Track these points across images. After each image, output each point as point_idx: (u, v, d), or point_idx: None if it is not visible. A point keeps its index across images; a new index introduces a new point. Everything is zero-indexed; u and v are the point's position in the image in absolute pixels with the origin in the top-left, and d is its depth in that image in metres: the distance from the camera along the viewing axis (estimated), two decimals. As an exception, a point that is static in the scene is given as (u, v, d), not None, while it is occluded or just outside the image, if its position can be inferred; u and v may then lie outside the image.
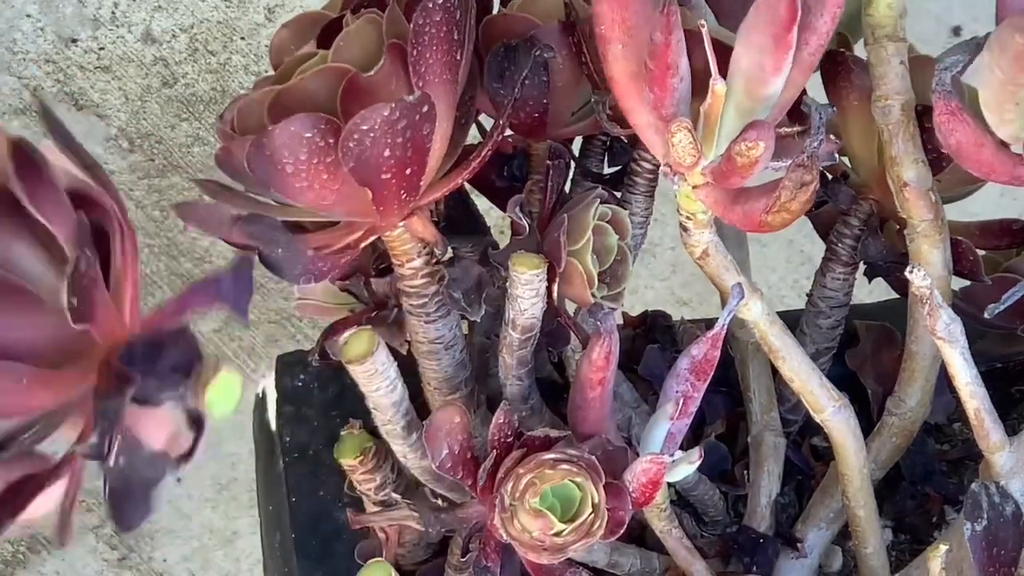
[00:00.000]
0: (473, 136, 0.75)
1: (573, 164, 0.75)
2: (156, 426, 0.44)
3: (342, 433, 0.71)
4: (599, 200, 0.67)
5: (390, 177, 0.59)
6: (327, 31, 0.64)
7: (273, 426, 0.88)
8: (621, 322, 0.89)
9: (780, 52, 0.56)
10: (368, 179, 0.58)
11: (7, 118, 1.77)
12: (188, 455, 0.45)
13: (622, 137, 0.74)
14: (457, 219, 0.73)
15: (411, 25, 0.58)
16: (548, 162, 0.70)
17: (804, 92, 0.60)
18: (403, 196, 0.61)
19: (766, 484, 0.80)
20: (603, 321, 0.65)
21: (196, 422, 0.44)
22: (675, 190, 0.61)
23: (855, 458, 0.73)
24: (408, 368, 0.70)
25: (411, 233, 0.65)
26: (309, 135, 0.57)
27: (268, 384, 0.90)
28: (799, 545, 0.79)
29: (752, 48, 0.56)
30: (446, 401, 0.71)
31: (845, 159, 0.76)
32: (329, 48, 0.61)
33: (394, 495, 0.72)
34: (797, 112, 0.60)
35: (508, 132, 0.72)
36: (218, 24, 1.70)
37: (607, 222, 0.67)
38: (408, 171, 0.59)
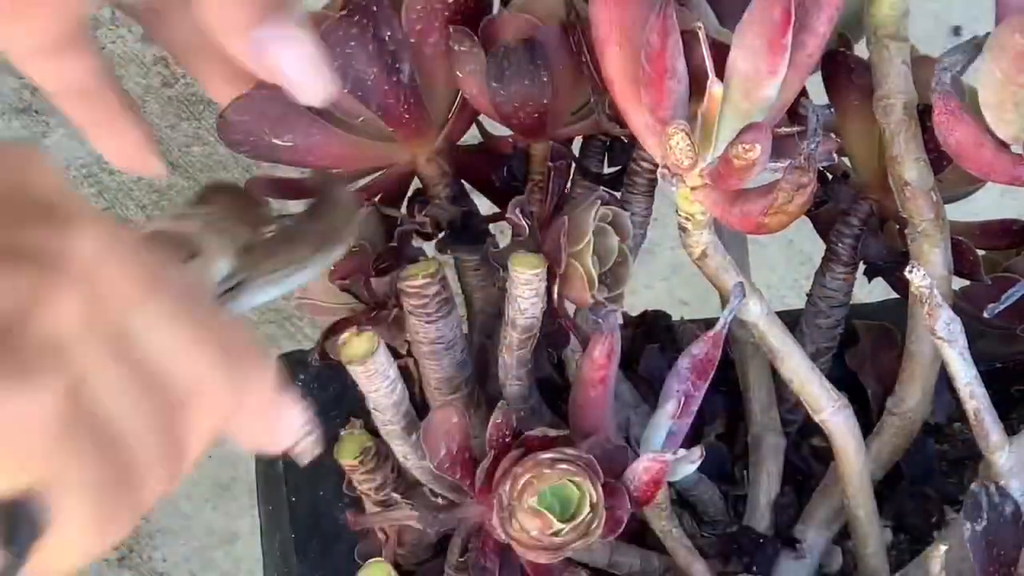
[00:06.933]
0: (473, 136, 0.75)
1: (573, 164, 0.75)
2: None
3: (342, 433, 0.71)
4: (600, 202, 0.67)
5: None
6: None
7: (273, 426, 0.88)
8: (621, 322, 0.89)
9: (776, 55, 0.56)
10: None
11: (7, 118, 1.77)
12: None
13: (622, 137, 0.74)
14: (458, 225, 0.73)
15: None
16: (549, 163, 0.70)
17: (803, 93, 0.60)
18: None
19: (766, 484, 0.80)
20: (605, 319, 0.65)
21: None
22: (673, 192, 0.61)
23: (855, 458, 0.73)
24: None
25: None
26: None
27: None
28: (799, 545, 0.78)
29: (748, 51, 0.56)
30: (445, 401, 0.71)
31: (845, 159, 0.76)
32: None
33: (394, 495, 0.72)
34: (796, 113, 0.60)
35: (508, 132, 0.72)
36: (219, 24, 1.70)
37: (608, 224, 0.67)
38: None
